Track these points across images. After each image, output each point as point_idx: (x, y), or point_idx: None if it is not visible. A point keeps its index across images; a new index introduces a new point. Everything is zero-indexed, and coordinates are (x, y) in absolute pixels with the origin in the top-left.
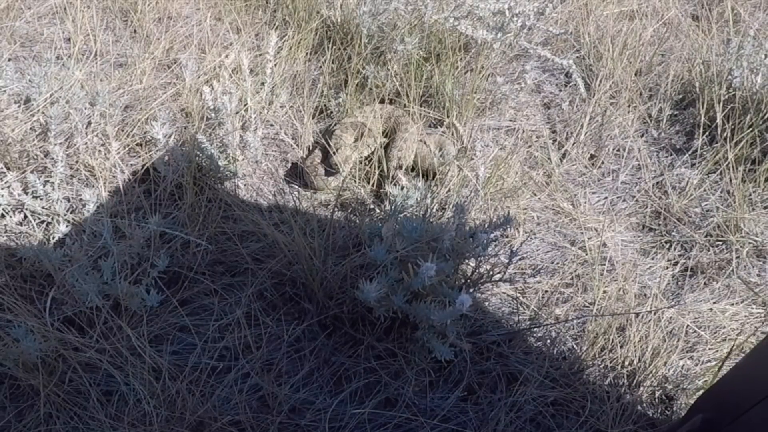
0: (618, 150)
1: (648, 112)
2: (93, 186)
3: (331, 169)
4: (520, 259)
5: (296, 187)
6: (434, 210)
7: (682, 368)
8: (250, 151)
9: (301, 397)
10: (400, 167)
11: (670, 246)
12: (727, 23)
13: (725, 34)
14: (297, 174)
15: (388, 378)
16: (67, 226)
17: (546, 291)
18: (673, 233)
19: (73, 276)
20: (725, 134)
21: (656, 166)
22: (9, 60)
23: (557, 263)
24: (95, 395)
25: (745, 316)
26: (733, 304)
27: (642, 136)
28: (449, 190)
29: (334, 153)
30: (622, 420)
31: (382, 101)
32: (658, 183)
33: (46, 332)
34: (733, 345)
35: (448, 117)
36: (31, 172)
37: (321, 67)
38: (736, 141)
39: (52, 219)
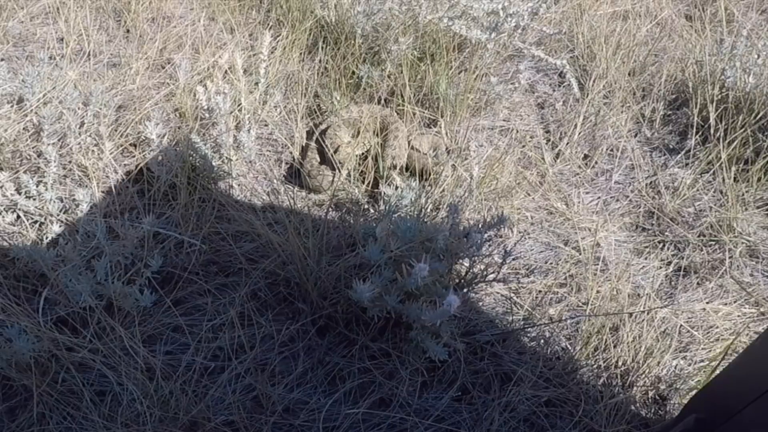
0: (611, 150)
1: (641, 112)
2: (86, 186)
3: (332, 170)
4: (513, 259)
5: (291, 187)
6: (428, 210)
7: (675, 368)
8: (244, 151)
9: (294, 397)
10: (395, 167)
11: (664, 246)
12: (720, 23)
13: (718, 34)
14: (293, 174)
15: (382, 378)
16: (60, 226)
17: (540, 291)
18: (666, 233)
19: (66, 276)
20: (718, 134)
21: (649, 166)
22: (2, 60)
23: (551, 263)
24: (88, 395)
25: (738, 315)
26: (726, 304)
27: (635, 136)
28: (443, 190)
29: (333, 153)
30: (615, 420)
31: (373, 101)
32: (651, 183)
33: (39, 332)
34: (728, 347)
35: (442, 117)
36: (24, 172)
37: (315, 67)
38: (729, 141)
39: (45, 219)
